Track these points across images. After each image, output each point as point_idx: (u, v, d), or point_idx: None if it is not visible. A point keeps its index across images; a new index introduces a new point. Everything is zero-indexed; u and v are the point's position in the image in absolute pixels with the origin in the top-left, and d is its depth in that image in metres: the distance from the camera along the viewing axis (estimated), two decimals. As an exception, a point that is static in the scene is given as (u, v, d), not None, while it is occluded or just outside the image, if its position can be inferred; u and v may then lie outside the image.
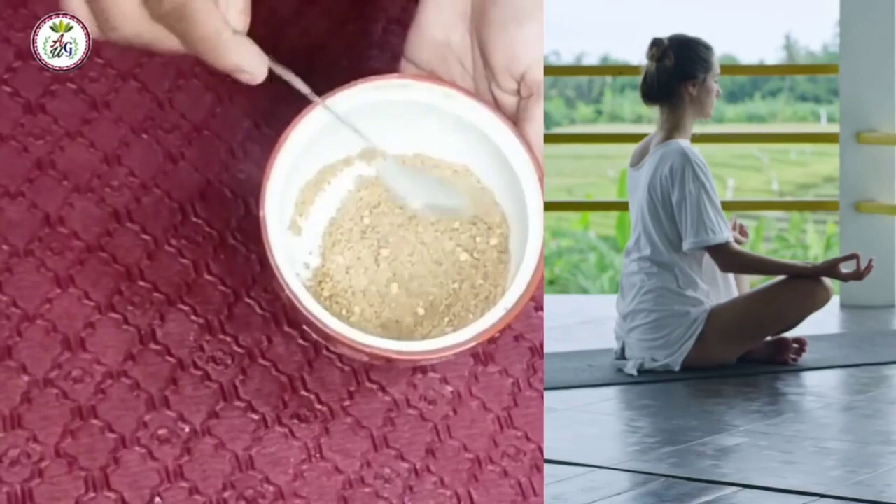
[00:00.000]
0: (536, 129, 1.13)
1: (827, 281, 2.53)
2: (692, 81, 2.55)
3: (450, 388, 1.16)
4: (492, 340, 1.18)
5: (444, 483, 1.11)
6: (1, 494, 1.05)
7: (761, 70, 3.83)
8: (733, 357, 2.52)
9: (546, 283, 7.05)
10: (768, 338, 2.55)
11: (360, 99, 1.12)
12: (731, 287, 2.61)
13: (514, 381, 1.18)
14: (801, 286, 2.51)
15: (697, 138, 3.82)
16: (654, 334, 2.49)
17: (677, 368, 2.47)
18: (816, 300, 2.52)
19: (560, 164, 12.11)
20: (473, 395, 1.16)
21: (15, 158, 1.23)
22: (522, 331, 1.20)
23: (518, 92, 1.13)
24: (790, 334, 2.56)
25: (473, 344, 1.07)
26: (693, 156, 2.51)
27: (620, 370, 2.48)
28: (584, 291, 6.37)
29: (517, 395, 1.17)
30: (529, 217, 1.12)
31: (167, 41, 1.03)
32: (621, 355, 2.54)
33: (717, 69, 2.60)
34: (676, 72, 2.56)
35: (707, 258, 2.53)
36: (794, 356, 2.54)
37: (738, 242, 2.59)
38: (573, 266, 7.23)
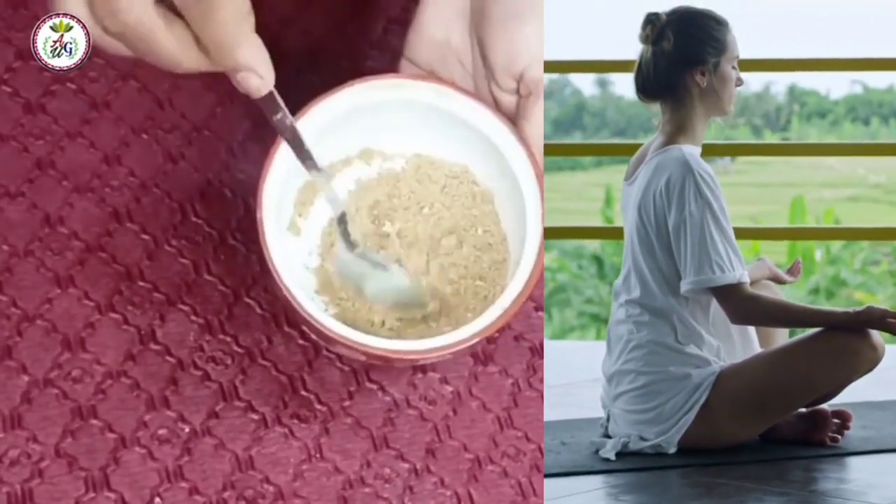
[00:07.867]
0: (535, 128, 1.13)
1: (875, 335, 1.84)
2: (700, 68, 1.90)
3: (450, 388, 1.16)
4: (491, 340, 1.18)
5: (444, 483, 1.11)
6: (1, 494, 1.05)
7: (795, 65, 3.45)
8: (750, 435, 1.88)
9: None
10: (802, 409, 1.90)
11: (355, 99, 1.12)
12: (751, 342, 1.94)
13: (514, 382, 1.18)
14: (840, 341, 1.84)
15: (755, 150, 3.20)
16: (644, 404, 1.86)
17: (672, 450, 1.84)
18: (860, 361, 1.85)
19: (745, 192, 11.50)
20: (473, 395, 1.16)
21: (15, 158, 1.23)
22: (522, 331, 1.20)
23: (517, 91, 1.13)
24: (830, 404, 1.91)
25: (471, 343, 1.06)
26: (697, 166, 1.86)
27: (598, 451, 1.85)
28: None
29: (517, 396, 1.17)
30: (528, 216, 1.11)
31: (162, 36, 0.97)
32: (606, 430, 1.91)
33: (734, 51, 1.92)
34: (678, 56, 1.91)
35: (717, 304, 1.88)
36: (833, 434, 1.89)
37: (780, 283, 1.99)
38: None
